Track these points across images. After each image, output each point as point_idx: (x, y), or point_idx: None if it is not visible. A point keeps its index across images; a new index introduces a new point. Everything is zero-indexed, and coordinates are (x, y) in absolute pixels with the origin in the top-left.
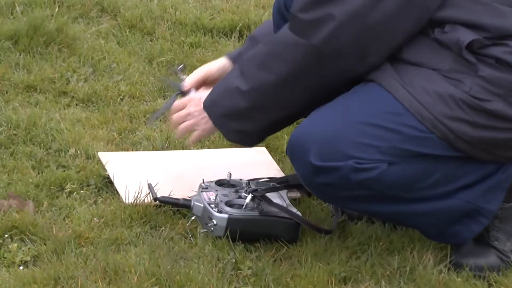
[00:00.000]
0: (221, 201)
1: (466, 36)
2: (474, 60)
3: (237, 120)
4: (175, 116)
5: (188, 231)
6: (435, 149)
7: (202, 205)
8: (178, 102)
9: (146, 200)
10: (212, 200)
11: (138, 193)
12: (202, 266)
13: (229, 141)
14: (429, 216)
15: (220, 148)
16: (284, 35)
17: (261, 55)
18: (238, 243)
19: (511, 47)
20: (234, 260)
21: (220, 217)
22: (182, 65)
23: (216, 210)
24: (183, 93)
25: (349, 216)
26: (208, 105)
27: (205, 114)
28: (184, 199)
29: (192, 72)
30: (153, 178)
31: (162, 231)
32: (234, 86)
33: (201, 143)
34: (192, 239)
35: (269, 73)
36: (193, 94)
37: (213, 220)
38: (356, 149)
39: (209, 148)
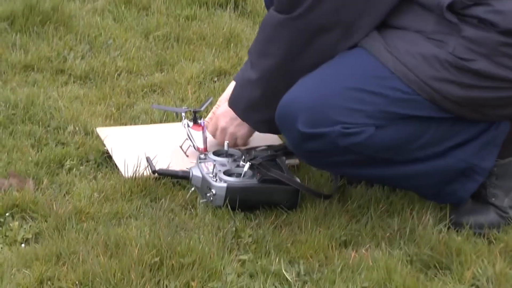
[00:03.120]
0: (220, 170)
1: None
2: (456, 20)
3: (257, 110)
4: (217, 138)
5: (188, 202)
6: (423, 110)
7: (200, 176)
8: (209, 124)
9: (145, 173)
10: (210, 170)
11: (137, 167)
12: (202, 235)
13: (261, 132)
14: (423, 177)
15: None
16: (271, 17)
17: (259, 42)
18: (238, 211)
19: (493, 6)
20: (234, 228)
21: (219, 186)
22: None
23: (215, 179)
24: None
25: (348, 180)
26: (232, 102)
27: (236, 119)
28: (182, 171)
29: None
30: (151, 151)
31: (162, 203)
32: (247, 78)
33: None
34: (192, 210)
35: (268, 58)
36: (216, 110)
37: (212, 190)
38: (343, 114)
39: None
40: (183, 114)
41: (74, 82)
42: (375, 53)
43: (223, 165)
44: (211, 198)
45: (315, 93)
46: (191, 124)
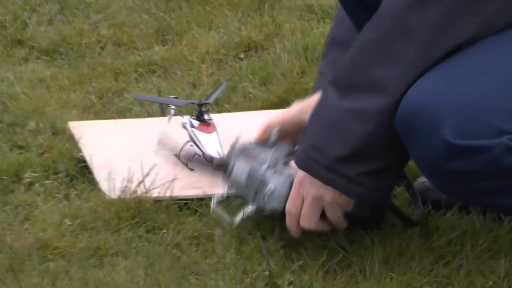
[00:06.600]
0: (277, 161)
1: None
2: None
3: (363, 155)
4: (305, 220)
5: (201, 233)
6: None
7: (247, 168)
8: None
9: (139, 192)
10: (261, 160)
11: (128, 181)
12: (221, 282)
13: (362, 201)
14: None
15: (246, 111)
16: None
17: (373, 44)
18: (275, 248)
19: None
20: (268, 272)
21: (280, 180)
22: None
23: (273, 171)
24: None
25: (434, 205)
26: (308, 157)
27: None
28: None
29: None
30: (148, 157)
31: (163, 234)
32: (342, 109)
33: (218, 106)
34: (206, 244)
35: (398, 58)
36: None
37: (270, 185)
38: (510, 121)
39: (228, 112)
40: (172, 107)
41: (37, 58)
42: None
43: (277, 157)
44: (265, 198)
45: (468, 89)
46: (196, 123)
